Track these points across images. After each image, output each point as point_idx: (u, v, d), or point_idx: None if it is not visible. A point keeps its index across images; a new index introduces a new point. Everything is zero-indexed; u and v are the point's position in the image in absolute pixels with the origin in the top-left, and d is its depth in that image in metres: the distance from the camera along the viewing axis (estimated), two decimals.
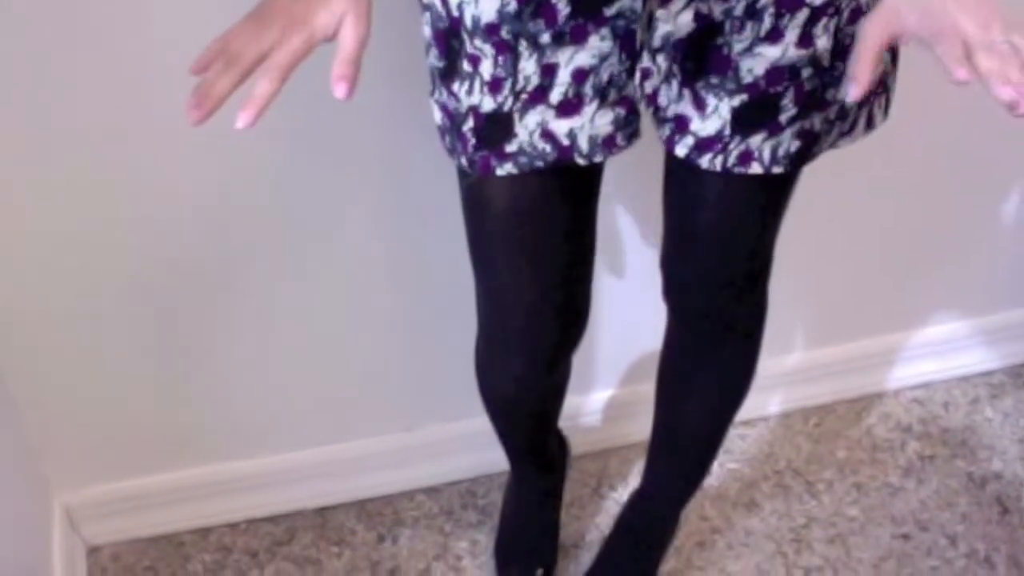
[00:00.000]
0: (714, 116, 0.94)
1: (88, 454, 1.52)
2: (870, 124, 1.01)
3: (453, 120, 0.98)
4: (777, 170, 0.97)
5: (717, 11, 0.89)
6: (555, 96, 0.93)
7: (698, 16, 0.89)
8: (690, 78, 0.93)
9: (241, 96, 0.74)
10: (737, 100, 0.93)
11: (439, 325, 1.49)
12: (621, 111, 0.96)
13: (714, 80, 0.92)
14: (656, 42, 0.91)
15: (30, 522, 1.45)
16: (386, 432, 1.61)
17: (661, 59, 0.92)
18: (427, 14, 0.95)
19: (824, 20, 0.88)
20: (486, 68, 0.92)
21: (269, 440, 1.58)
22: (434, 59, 0.97)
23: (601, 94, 0.94)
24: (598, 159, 0.98)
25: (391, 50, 1.14)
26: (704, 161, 0.97)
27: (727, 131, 0.94)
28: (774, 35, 0.89)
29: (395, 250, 1.41)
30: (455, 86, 0.95)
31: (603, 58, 0.91)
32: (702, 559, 1.58)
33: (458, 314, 1.34)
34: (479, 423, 1.43)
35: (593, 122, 0.95)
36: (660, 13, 0.89)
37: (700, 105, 0.94)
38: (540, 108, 0.94)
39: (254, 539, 1.62)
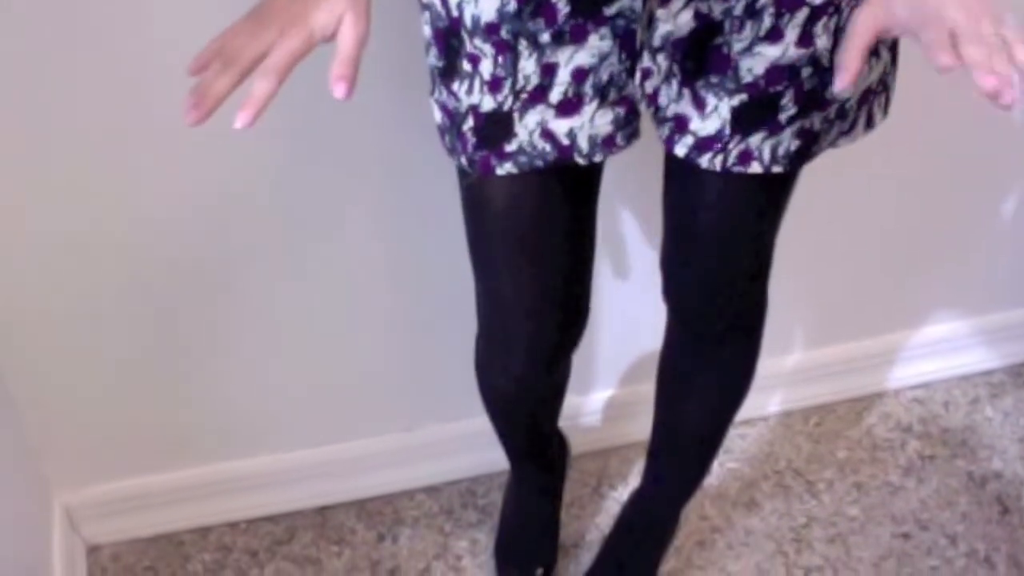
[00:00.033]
0: (714, 116, 0.94)
1: (88, 454, 1.52)
2: (870, 123, 1.01)
3: (453, 120, 0.98)
4: (777, 169, 0.97)
5: (717, 10, 0.89)
6: (555, 96, 0.93)
7: (698, 15, 0.89)
8: (690, 78, 0.93)
9: (240, 96, 0.74)
10: (737, 100, 0.93)
11: (439, 325, 1.49)
12: (621, 111, 0.96)
13: (714, 80, 0.92)
14: (656, 41, 0.91)
15: (30, 522, 1.45)
16: (386, 432, 1.61)
17: (661, 59, 0.92)
18: (426, 13, 0.95)
19: (824, 19, 0.88)
20: (486, 67, 0.92)
21: (269, 440, 1.58)
22: (434, 58, 0.97)
23: (601, 94, 0.94)
24: (598, 159, 0.98)
25: (390, 50, 1.14)
26: (704, 161, 0.97)
27: (727, 131, 0.94)
28: (774, 34, 0.89)
29: (395, 250, 1.41)
30: (455, 85, 0.95)
31: (603, 58, 0.91)
32: (702, 558, 1.58)
33: (458, 314, 1.34)
34: (479, 423, 1.43)
35: (593, 122, 0.95)
36: (660, 12, 0.88)
37: (700, 105, 0.94)
38: (540, 108, 0.94)
39: (254, 539, 1.62)
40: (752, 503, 1.65)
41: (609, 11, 0.88)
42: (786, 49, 0.90)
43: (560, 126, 0.95)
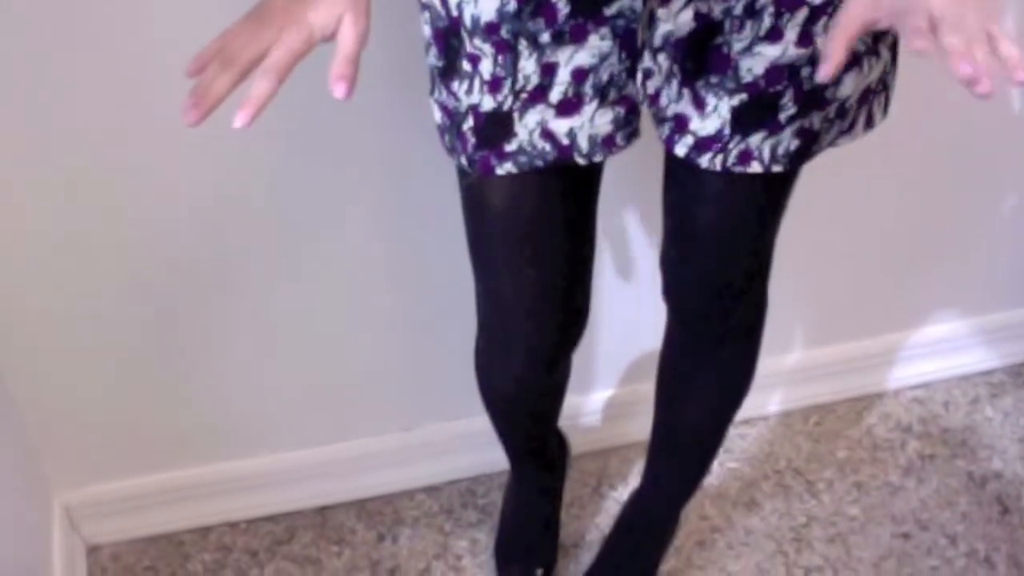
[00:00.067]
0: (713, 115, 0.94)
1: (88, 454, 1.52)
2: (870, 123, 1.01)
3: (453, 119, 0.98)
4: (777, 169, 0.97)
5: (717, 10, 0.89)
6: (555, 95, 0.93)
7: (698, 15, 0.89)
8: (689, 77, 0.93)
9: (240, 96, 0.74)
10: (736, 99, 0.93)
11: (439, 325, 1.49)
12: (621, 110, 0.96)
13: (713, 79, 0.92)
14: (657, 41, 0.91)
15: (30, 522, 1.45)
16: (386, 431, 1.61)
17: (662, 58, 0.92)
18: (426, 13, 0.95)
19: (824, 19, 0.88)
20: (486, 67, 0.92)
21: (269, 440, 1.58)
22: (433, 58, 0.97)
23: (601, 93, 0.94)
24: (598, 159, 0.98)
25: (390, 50, 1.14)
26: (704, 160, 0.97)
27: (727, 130, 0.94)
28: (774, 34, 0.89)
29: (395, 250, 1.41)
30: (455, 85, 0.95)
31: (603, 58, 0.91)
32: (702, 558, 1.58)
33: (458, 314, 1.34)
34: (479, 422, 1.43)
35: (593, 121, 0.95)
36: (661, 12, 0.89)
37: (699, 104, 0.94)
38: (540, 107, 0.94)
39: (254, 538, 1.62)
40: (752, 503, 1.65)
41: (609, 11, 0.88)
42: (786, 49, 0.90)
43: (560, 126, 0.95)
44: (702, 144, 0.96)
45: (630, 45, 0.91)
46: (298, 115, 1.21)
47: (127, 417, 1.49)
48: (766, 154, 0.96)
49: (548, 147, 0.96)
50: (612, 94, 0.94)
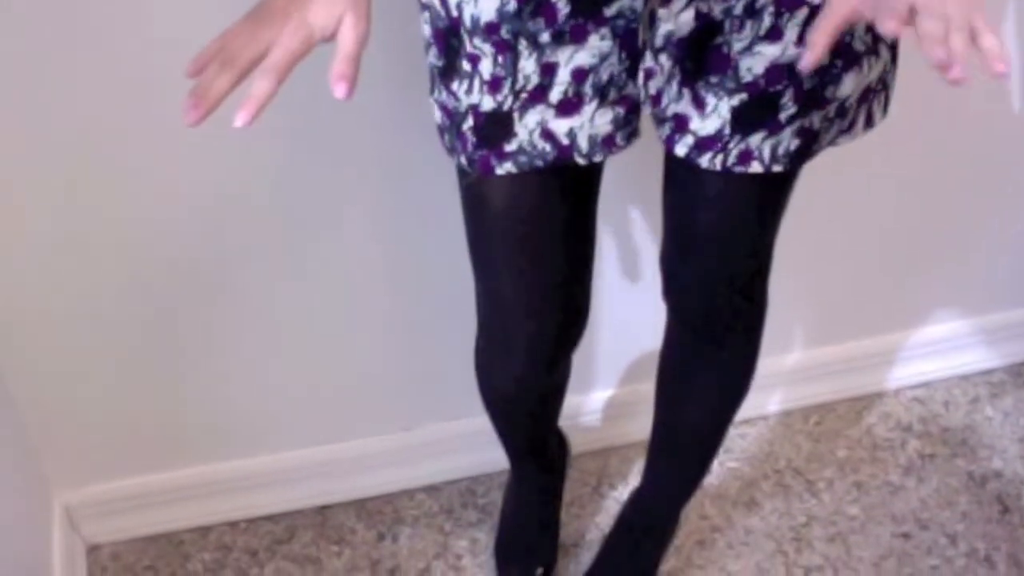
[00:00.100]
0: (714, 115, 0.94)
1: (88, 454, 1.52)
2: (869, 122, 1.01)
3: (453, 119, 0.98)
4: (777, 169, 0.97)
5: (717, 10, 0.89)
6: (555, 95, 0.93)
7: (698, 15, 0.89)
8: (689, 77, 0.93)
9: (240, 96, 0.74)
10: (737, 99, 0.93)
11: (439, 325, 1.49)
12: (621, 110, 0.96)
13: (713, 79, 0.92)
14: (659, 41, 0.91)
15: (30, 522, 1.45)
16: (386, 431, 1.61)
17: (664, 59, 0.92)
18: (426, 13, 0.95)
19: None
20: (486, 67, 0.92)
21: (269, 440, 1.58)
22: (433, 58, 0.97)
23: (601, 93, 0.94)
24: (598, 158, 0.98)
25: (390, 50, 1.14)
26: (704, 160, 0.97)
27: (727, 130, 0.94)
28: (774, 34, 0.89)
29: (394, 250, 1.41)
30: (454, 85, 0.95)
31: (603, 58, 0.91)
32: (702, 558, 1.58)
33: (458, 314, 1.34)
34: (479, 422, 1.43)
35: (593, 121, 0.95)
36: (662, 12, 0.89)
37: (700, 104, 0.94)
38: (540, 107, 0.94)
39: (254, 538, 1.62)
40: (752, 502, 1.65)
41: (609, 11, 0.88)
42: (786, 48, 0.90)
43: (560, 126, 0.95)
44: (702, 144, 0.96)
45: (630, 45, 0.91)
46: (298, 115, 1.21)
47: (127, 417, 1.49)
48: (766, 154, 0.96)
49: (548, 147, 0.96)
50: (612, 94, 0.94)
